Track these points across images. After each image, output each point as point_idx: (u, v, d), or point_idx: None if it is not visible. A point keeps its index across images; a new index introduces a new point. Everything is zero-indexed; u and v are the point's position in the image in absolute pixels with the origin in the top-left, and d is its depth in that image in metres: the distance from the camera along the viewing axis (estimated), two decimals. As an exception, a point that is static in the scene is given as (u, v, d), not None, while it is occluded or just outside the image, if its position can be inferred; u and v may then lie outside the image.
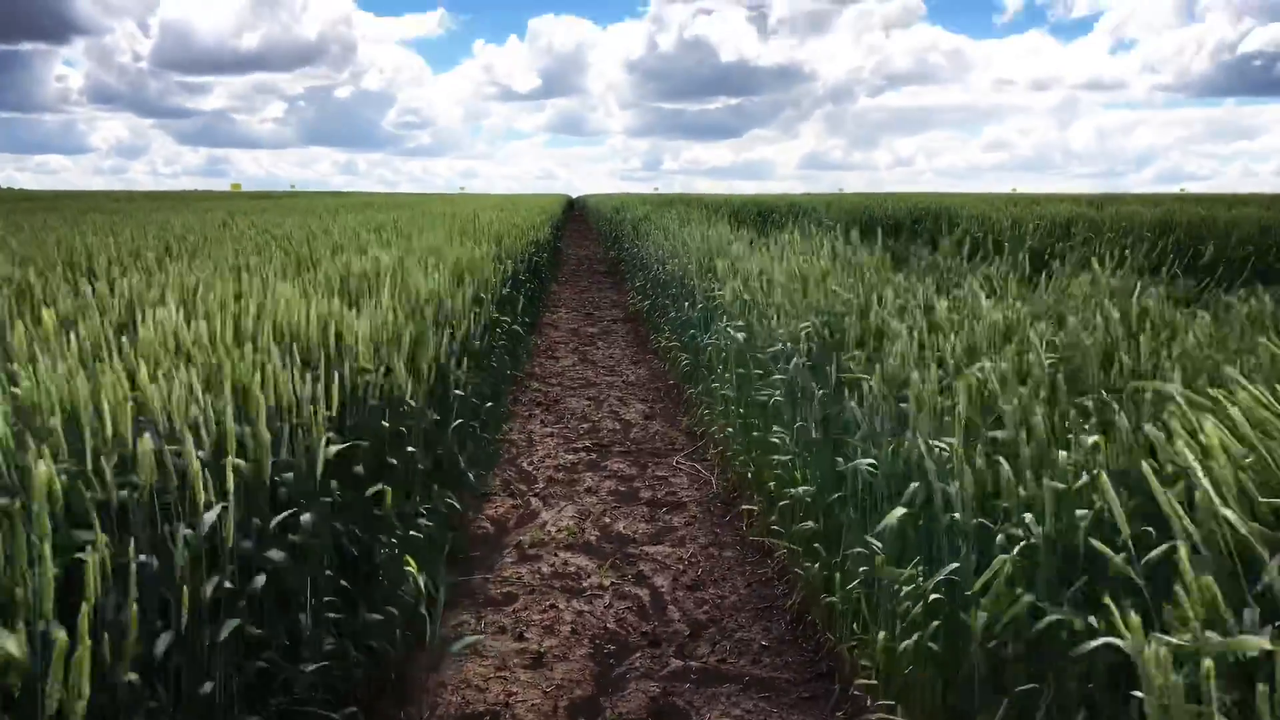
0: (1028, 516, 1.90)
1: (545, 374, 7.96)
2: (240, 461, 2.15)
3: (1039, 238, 7.24)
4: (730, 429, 4.78)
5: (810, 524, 3.23)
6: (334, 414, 2.66)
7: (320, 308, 3.27)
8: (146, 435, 2.02)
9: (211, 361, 2.65)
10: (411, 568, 2.94)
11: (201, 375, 2.47)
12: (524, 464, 5.39)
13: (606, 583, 3.83)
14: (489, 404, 5.40)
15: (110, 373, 2.18)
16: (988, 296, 3.54)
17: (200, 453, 2.13)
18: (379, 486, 2.79)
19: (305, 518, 2.32)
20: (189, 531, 1.97)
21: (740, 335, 4.61)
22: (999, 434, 2.24)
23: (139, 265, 4.80)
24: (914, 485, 2.38)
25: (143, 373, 2.30)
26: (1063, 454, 2.01)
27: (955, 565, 2.09)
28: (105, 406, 2.05)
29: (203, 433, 2.25)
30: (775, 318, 4.15)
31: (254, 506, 2.27)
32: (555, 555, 4.11)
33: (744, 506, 4.40)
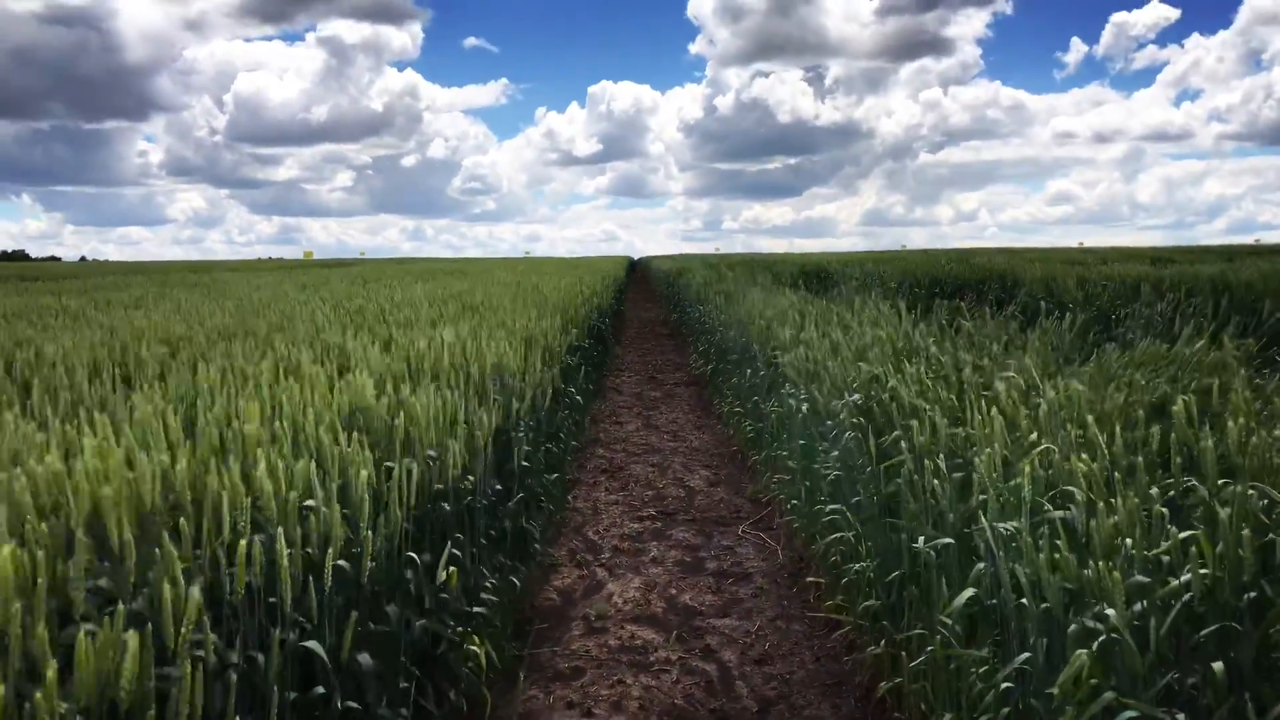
0: (1110, 611, 1.86)
1: (610, 440, 8.03)
2: (344, 564, 2.26)
3: (1106, 299, 7.17)
4: (795, 500, 4.78)
5: (874, 601, 3.22)
6: (413, 504, 2.76)
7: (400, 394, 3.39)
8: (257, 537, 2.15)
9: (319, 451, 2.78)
10: (477, 647, 3.00)
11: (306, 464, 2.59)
12: (589, 533, 5.44)
13: (674, 657, 3.84)
14: (554, 475, 5.48)
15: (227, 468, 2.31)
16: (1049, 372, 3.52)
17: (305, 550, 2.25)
18: (449, 571, 2.87)
19: (391, 608, 2.41)
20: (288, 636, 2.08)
21: (803, 405, 4.63)
22: (1061, 514, 2.24)
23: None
24: (980, 565, 2.38)
25: (261, 467, 2.42)
26: (1129, 541, 2.00)
27: (1026, 655, 2.08)
28: (225, 501, 2.17)
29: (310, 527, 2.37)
30: (830, 390, 4.17)
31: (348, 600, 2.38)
32: (622, 628, 4.13)
33: (810, 579, 4.38)
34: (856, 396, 3.72)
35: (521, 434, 4.57)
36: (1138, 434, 2.55)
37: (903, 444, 2.98)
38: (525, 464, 4.53)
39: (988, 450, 2.49)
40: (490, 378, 4.51)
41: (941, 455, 2.72)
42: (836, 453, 3.82)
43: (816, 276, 14.16)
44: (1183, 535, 1.95)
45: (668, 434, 8.28)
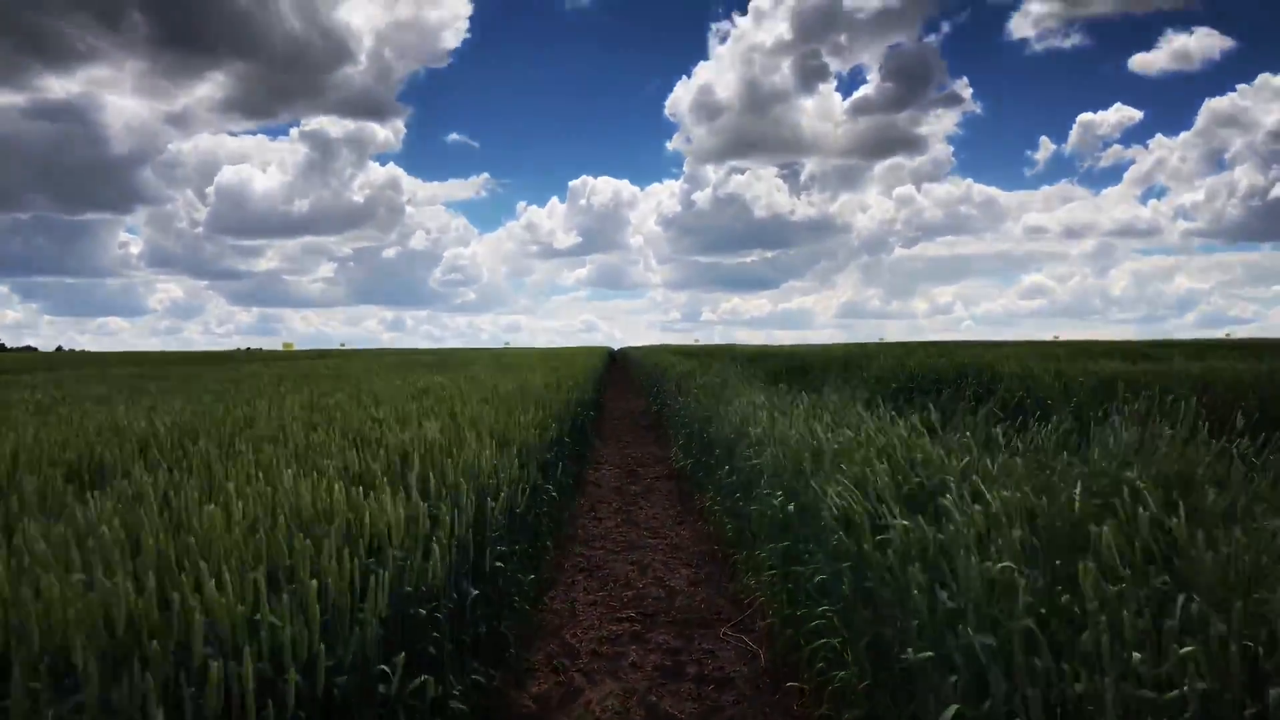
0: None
1: (588, 536, 7.89)
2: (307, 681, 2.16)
3: (1084, 394, 7.19)
4: (776, 603, 4.67)
5: (858, 710, 3.11)
6: (384, 614, 2.66)
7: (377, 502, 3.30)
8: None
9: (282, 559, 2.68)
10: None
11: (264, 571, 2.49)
12: (567, 636, 5.29)
13: (652, 770, 3.68)
14: (530, 576, 5.35)
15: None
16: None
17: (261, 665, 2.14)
18: (421, 680, 2.75)
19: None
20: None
21: (787, 506, 4.56)
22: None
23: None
24: (953, 679, 2.30)
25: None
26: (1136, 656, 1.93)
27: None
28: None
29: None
30: (814, 491, 4.10)
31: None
32: (599, 739, 3.98)
33: (792, 684, 4.25)
34: (835, 500, 3.66)
35: (496, 534, 4.47)
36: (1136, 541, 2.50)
37: (889, 551, 2.91)
38: (500, 564, 4.42)
39: (971, 558, 2.43)
40: (466, 476, 4.43)
41: (918, 563, 2.65)
42: (823, 555, 3.74)
43: (798, 370, 14.20)
44: (1182, 651, 1.89)
45: (647, 530, 8.15)
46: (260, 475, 3.76)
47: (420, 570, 3.17)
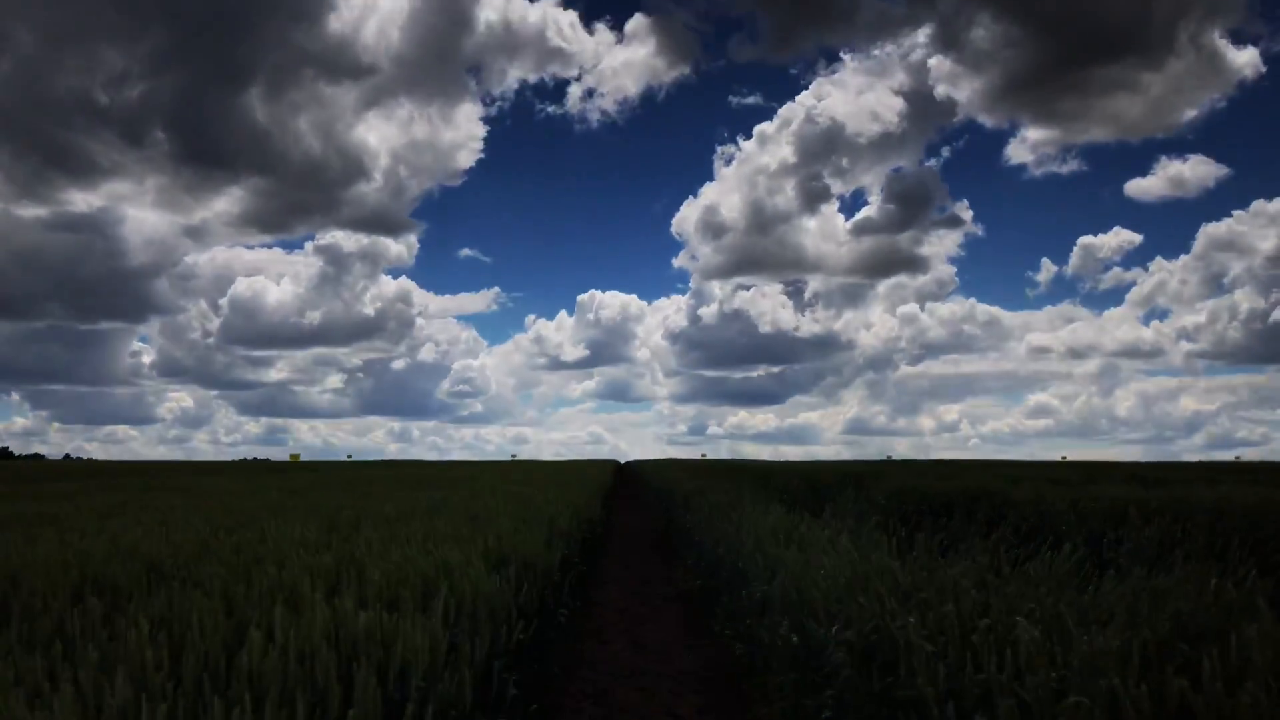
0: None
1: (594, 660, 7.75)
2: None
3: (1096, 522, 7.16)
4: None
5: None
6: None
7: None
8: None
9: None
10: None
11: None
12: (574, 768, 5.17)
13: None
14: (534, 705, 5.26)
15: None
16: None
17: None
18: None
19: None
20: None
21: (793, 636, 4.52)
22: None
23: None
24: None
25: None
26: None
27: None
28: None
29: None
30: (822, 622, 4.07)
31: None
32: None
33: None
34: (849, 632, 3.64)
35: (509, 659, 4.43)
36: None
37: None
38: (514, 691, 4.36)
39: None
40: (480, 601, 4.42)
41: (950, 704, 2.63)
42: (831, 691, 3.70)
43: (808, 488, 14.14)
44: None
45: (655, 655, 8.00)
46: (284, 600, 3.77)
47: (444, 699, 3.16)
